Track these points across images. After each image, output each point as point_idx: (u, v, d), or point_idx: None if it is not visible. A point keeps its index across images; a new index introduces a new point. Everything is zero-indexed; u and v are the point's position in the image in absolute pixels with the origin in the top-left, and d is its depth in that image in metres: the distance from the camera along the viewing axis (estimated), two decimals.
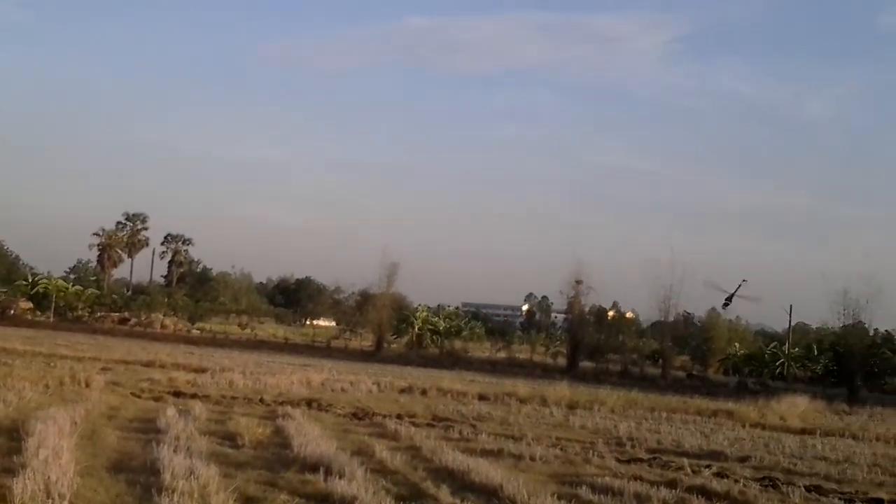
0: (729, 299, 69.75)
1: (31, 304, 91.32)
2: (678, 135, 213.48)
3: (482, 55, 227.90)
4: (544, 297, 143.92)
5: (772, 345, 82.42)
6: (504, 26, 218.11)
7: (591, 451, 20.11)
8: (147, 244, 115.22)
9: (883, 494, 16.42)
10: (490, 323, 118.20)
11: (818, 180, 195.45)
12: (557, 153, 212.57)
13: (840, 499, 15.53)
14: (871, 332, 69.10)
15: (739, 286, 68.51)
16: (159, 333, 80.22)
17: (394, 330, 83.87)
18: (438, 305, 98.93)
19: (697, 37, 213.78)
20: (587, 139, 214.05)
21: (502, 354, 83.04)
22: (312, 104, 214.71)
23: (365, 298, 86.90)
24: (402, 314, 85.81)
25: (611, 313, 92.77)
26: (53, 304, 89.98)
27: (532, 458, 18.42)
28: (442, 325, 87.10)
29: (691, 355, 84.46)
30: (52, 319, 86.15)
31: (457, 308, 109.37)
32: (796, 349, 78.20)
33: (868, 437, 28.70)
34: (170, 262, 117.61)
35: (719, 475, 17.52)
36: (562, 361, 75.39)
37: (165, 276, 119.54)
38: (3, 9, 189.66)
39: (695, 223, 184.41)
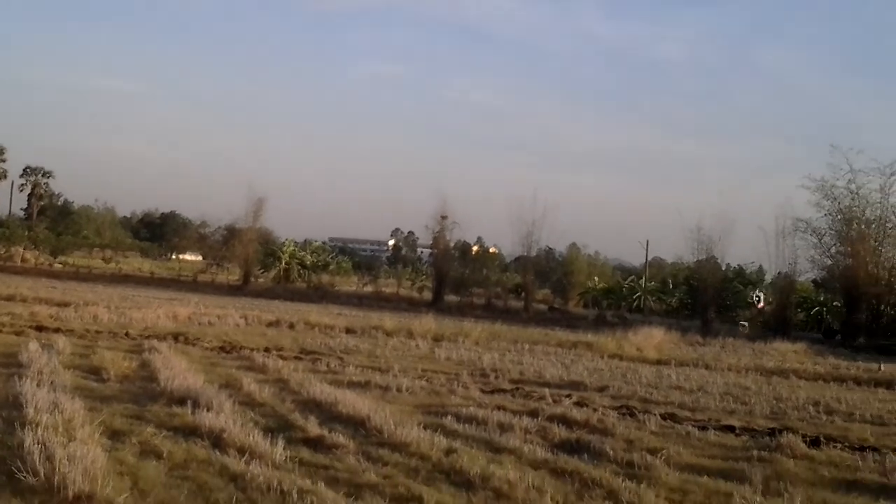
0: None
1: None
2: (537, 74, 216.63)
3: None
4: (410, 233, 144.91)
5: (629, 279, 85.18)
6: None
7: (455, 383, 20.47)
8: (5, 177, 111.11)
9: (734, 421, 17.20)
10: (357, 258, 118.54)
11: (673, 120, 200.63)
12: (417, 91, 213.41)
13: (694, 425, 16.16)
14: (724, 267, 71.74)
15: None
16: (19, 267, 77.99)
17: (261, 264, 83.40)
18: (305, 240, 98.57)
19: None
20: (446, 78, 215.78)
21: (369, 289, 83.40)
22: (173, 35, 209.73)
23: (231, 233, 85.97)
24: (269, 248, 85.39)
25: (475, 248, 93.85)
26: None
27: (398, 390, 18.72)
28: (309, 260, 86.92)
29: (553, 289, 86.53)
30: None
31: (324, 243, 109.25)
32: (653, 283, 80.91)
33: (720, 368, 29.85)
34: (29, 195, 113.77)
35: (579, 404, 18.07)
36: (427, 295, 76.10)
37: (25, 210, 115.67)
38: None
39: (554, 161, 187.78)
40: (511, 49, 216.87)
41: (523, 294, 75.52)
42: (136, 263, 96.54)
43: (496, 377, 22.65)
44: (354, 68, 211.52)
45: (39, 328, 26.80)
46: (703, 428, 16.13)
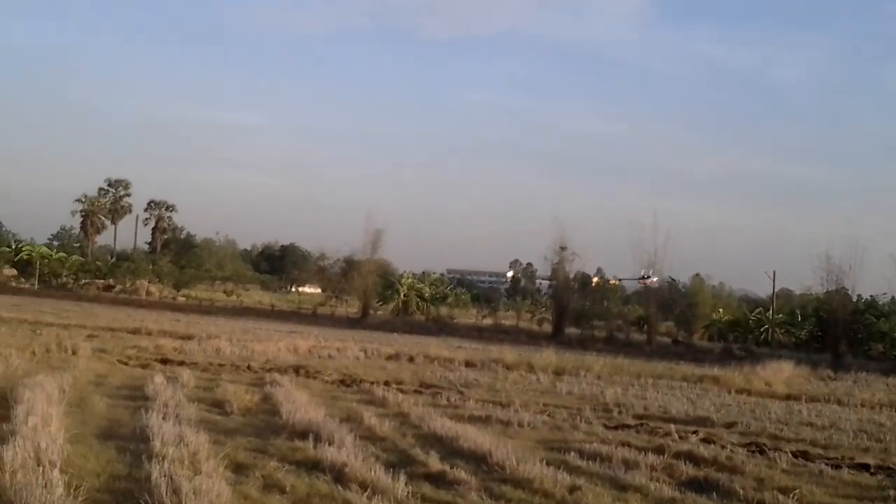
0: None
1: (15, 272, 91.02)
2: (653, 99, 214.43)
3: (455, 20, 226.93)
4: (529, 264, 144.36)
5: (756, 311, 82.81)
6: None
7: (578, 418, 20.11)
8: (130, 211, 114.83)
9: (869, 459, 16.48)
10: (475, 289, 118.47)
11: (798, 145, 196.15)
12: (534, 120, 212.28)
13: (826, 464, 15.56)
14: (855, 298, 69.24)
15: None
16: (144, 300, 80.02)
17: (379, 296, 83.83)
18: (423, 272, 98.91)
19: (668, 1, 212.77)
20: (563, 105, 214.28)
21: (488, 321, 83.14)
22: (291, 70, 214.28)
23: (350, 265, 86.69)
24: (387, 280, 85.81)
25: (595, 280, 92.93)
26: (38, 272, 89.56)
27: (520, 425, 18.46)
28: (427, 292, 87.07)
29: (676, 321, 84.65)
30: (36, 287, 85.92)
31: (442, 275, 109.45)
32: (780, 315, 78.52)
33: (853, 403, 28.73)
34: (153, 229, 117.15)
35: (706, 441, 17.56)
36: (547, 328, 75.47)
37: (149, 243, 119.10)
38: None
39: (676, 189, 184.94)
40: (627, 75, 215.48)
41: (646, 327, 74.28)
42: (256, 296, 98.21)
43: (619, 412, 22.14)
44: (469, 98, 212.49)
45: (164, 361, 27.27)
46: (837, 466, 15.49)
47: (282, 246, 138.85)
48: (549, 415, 20.51)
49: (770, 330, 75.16)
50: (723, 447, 16.76)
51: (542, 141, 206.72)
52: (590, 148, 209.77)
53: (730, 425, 20.69)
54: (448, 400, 22.40)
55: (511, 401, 22.54)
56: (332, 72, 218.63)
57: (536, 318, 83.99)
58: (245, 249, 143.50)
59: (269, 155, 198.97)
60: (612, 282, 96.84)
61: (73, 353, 26.65)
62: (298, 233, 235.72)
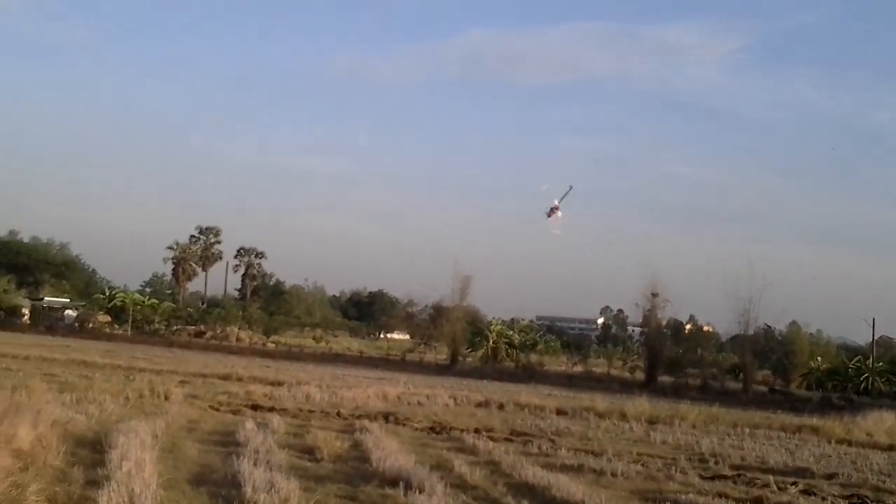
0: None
1: (108, 318, 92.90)
2: (747, 145, 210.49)
3: (545, 67, 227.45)
4: (620, 311, 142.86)
5: (855, 359, 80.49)
6: (567, 37, 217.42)
7: (673, 468, 19.75)
8: (220, 258, 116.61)
9: None
10: (565, 336, 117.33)
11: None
12: (625, 165, 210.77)
13: None
14: None
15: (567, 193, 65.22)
16: (234, 346, 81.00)
17: (468, 343, 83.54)
18: (512, 319, 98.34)
19: (761, 46, 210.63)
20: (655, 150, 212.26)
21: (578, 368, 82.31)
22: (379, 118, 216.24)
23: (438, 311, 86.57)
24: (476, 327, 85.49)
25: (688, 326, 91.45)
26: (131, 318, 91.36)
27: (613, 474, 18.12)
28: (517, 339, 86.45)
29: (773, 370, 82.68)
30: (129, 332, 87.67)
31: (531, 321, 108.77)
32: (881, 363, 76.26)
33: None
34: (243, 276, 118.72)
35: (806, 493, 17.07)
36: (640, 376, 74.44)
37: (239, 290, 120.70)
38: (72, 26, 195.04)
39: (771, 235, 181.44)
40: (720, 120, 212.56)
41: (741, 375, 72.68)
42: (345, 342, 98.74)
43: (716, 462, 21.59)
44: (558, 144, 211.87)
45: (255, 407, 27.41)
46: None
47: (370, 292, 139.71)
48: (643, 464, 20.14)
49: (870, 379, 72.95)
50: (823, 499, 16.33)
51: (634, 187, 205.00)
52: (683, 194, 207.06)
53: (830, 476, 20.05)
54: (539, 448, 22.10)
55: (604, 449, 22.20)
56: (421, 119, 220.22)
57: (628, 366, 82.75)
58: (334, 296, 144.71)
59: (357, 202, 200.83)
60: (705, 329, 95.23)
61: (166, 398, 26.95)
62: (387, 279, 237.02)
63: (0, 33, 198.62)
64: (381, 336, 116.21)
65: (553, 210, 63.12)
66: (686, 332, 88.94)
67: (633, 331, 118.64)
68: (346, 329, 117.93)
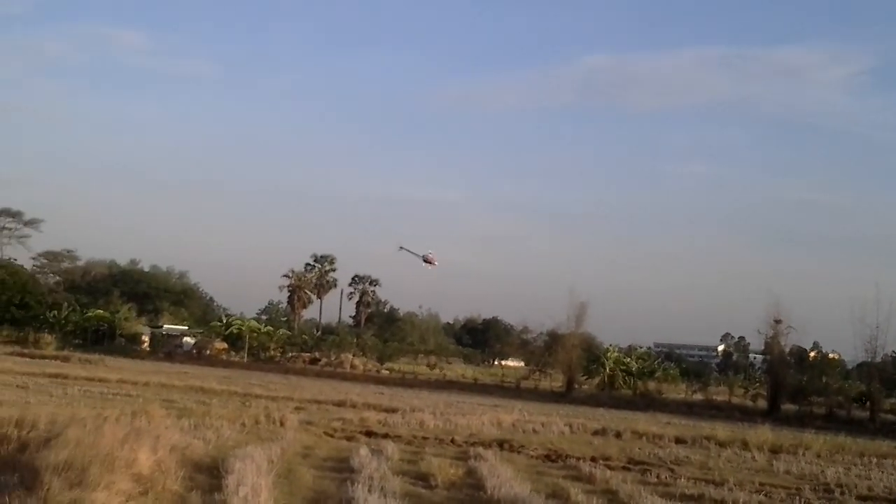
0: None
1: (225, 345, 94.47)
2: (873, 168, 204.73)
3: (661, 91, 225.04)
4: (741, 338, 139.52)
5: None
6: (684, 62, 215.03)
7: (797, 498, 19.21)
8: (335, 285, 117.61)
9: None
10: (684, 364, 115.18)
11: None
12: (746, 190, 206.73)
13: None
14: None
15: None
16: (349, 373, 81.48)
17: (584, 371, 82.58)
18: (630, 346, 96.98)
19: (886, 67, 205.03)
20: (775, 175, 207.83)
21: (698, 396, 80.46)
22: (491, 145, 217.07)
23: (554, 339, 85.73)
24: (592, 354, 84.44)
25: (812, 354, 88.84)
26: (247, 345, 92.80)
27: None
28: (634, 366, 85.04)
29: None
30: (245, 359, 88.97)
31: (649, 348, 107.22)
32: None
33: None
34: (358, 303, 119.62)
35: None
36: (762, 404, 72.50)
37: (353, 317, 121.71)
38: (196, 62, 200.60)
39: None
40: (846, 143, 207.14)
41: (868, 403, 70.22)
42: (459, 369, 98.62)
43: (841, 493, 20.89)
44: (675, 169, 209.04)
45: (369, 433, 27.39)
46: None
47: (484, 319, 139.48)
48: (765, 494, 19.61)
49: None
50: None
51: (755, 212, 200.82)
52: (807, 218, 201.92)
53: None
54: (658, 477, 21.56)
55: (725, 479, 21.57)
56: (533, 146, 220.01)
57: (750, 394, 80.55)
58: (448, 323, 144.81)
59: (470, 229, 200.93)
60: (831, 356, 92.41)
61: (281, 424, 27.13)
62: (501, 306, 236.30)
63: (123, 68, 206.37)
64: (496, 363, 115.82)
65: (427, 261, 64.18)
66: (810, 359, 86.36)
67: (754, 358, 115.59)
68: (460, 356, 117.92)
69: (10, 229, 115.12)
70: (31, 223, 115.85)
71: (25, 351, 73.78)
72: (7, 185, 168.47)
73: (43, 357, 67.17)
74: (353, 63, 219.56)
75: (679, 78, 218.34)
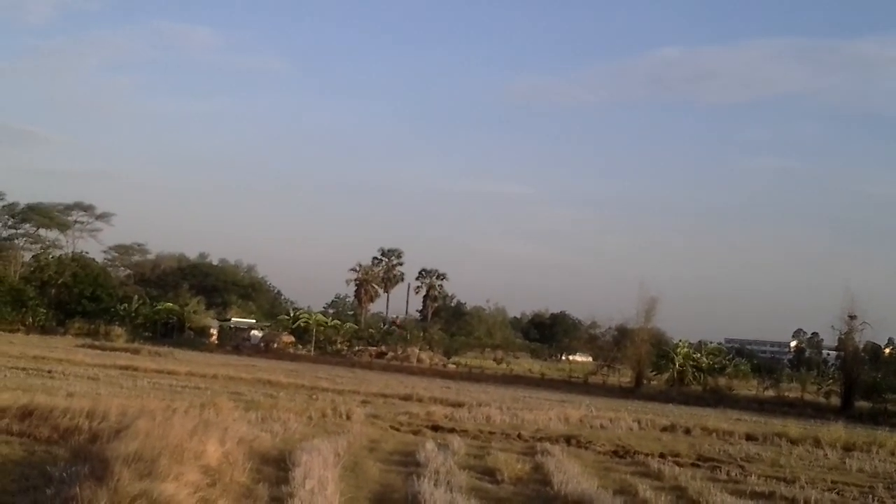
0: None
1: (292, 338, 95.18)
2: None
3: (736, 84, 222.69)
4: (814, 334, 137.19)
5: None
6: (757, 54, 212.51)
7: (870, 496, 18.90)
8: (402, 279, 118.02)
9: None
10: (755, 360, 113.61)
11: None
12: (821, 184, 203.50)
13: None
14: None
15: None
16: (415, 367, 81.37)
17: (653, 366, 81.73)
18: (700, 341, 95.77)
19: None
20: (852, 168, 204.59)
21: (770, 393, 79.23)
22: (560, 140, 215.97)
23: (622, 333, 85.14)
24: (661, 350, 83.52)
25: (887, 350, 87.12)
26: (314, 338, 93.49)
27: (806, 502, 17.36)
28: (704, 362, 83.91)
29: None
30: (312, 353, 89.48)
31: (719, 344, 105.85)
32: None
33: None
34: (424, 297, 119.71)
35: None
36: (835, 401, 71.19)
37: (420, 311, 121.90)
38: (266, 58, 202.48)
39: None
40: None
41: None
42: (526, 364, 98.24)
43: None
44: (751, 164, 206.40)
45: (435, 428, 27.37)
46: None
47: (552, 314, 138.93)
48: (838, 492, 19.28)
49: None
50: None
51: (830, 206, 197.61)
52: (882, 212, 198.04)
53: None
54: (728, 474, 21.28)
55: (796, 477, 21.22)
56: (603, 140, 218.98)
57: (823, 391, 79.12)
58: (515, 317, 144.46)
59: (539, 222, 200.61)
60: None
61: (348, 417, 27.23)
62: (569, 301, 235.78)
63: (194, 64, 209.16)
64: (563, 358, 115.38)
65: None
66: (885, 355, 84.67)
67: (828, 354, 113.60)
68: (527, 351, 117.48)
69: (83, 223, 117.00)
70: (103, 217, 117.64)
71: (97, 343, 74.86)
72: (80, 178, 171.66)
73: (114, 349, 68.17)
74: (422, 60, 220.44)
75: (753, 70, 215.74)
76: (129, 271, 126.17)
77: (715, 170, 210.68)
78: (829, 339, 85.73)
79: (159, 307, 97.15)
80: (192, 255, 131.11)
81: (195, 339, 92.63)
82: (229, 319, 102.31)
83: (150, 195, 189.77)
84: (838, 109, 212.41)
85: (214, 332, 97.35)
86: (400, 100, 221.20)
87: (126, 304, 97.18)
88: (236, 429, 18.86)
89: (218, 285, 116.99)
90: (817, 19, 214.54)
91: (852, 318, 71.08)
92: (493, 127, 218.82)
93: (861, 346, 74.19)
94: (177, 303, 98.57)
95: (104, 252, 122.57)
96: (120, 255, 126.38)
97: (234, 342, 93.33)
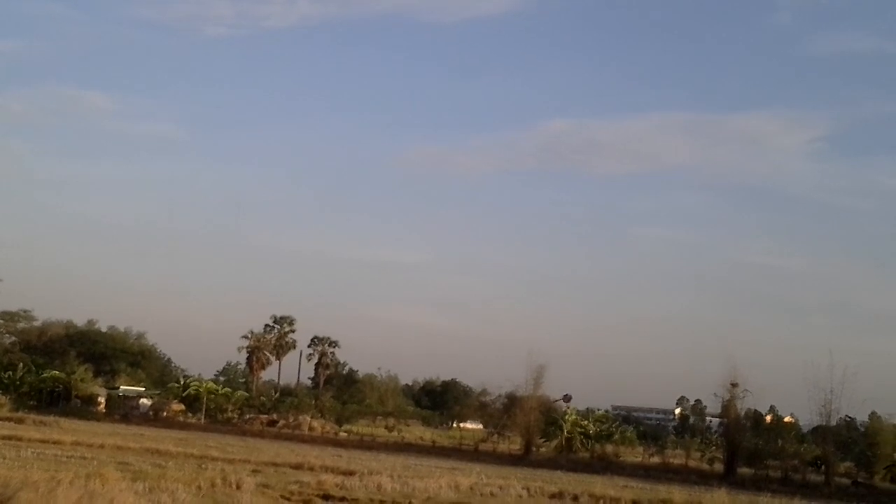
0: None
1: (182, 406, 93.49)
2: (829, 233, 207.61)
3: (623, 156, 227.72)
4: (697, 401, 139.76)
5: None
6: (645, 127, 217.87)
7: None
8: (294, 346, 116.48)
9: None
10: (642, 426, 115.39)
11: None
12: (705, 254, 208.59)
13: None
14: None
15: None
16: (307, 436, 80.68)
17: (542, 433, 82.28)
18: (587, 408, 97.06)
19: (843, 134, 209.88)
20: (735, 239, 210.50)
21: (655, 459, 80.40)
22: (453, 208, 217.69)
23: (512, 401, 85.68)
24: (550, 417, 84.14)
25: (768, 417, 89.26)
26: (204, 407, 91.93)
27: None
28: (592, 429, 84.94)
29: (855, 462, 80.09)
30: (202, 421, 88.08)
31: (606, 411, 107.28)
32: None
33: None
34: (317, 365, 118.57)
35: None
36: (718, 467, 72.61)
37: (312, 378, 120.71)
38: (159, 123, 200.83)
39: (853, 325, 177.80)
40: (802, 209, 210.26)
41: (823, 467, 70.62)
42: (417, 432, 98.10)
43: None
44: (637, 233, 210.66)
45: (326, 497, 27.28)
46: None
47: (443, 381, 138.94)
48: None
49: None
50: None
51: (712, 275, 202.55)
52: (764, 283, 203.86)
53: None
54: None
55: None
56: (495, 209, 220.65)
57: (707, 457, 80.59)
58: (407, 385, 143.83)
59: (431, 291, 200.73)
60: (786, 419, 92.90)
61: (238, 487, 26.89)
62: (460, 368, 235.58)
63: (85, 129, 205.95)
64: (454, 425, 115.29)
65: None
66: (766, 422, 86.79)
67: (711, 421, 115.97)
68: (418, 418, 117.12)
69: None
70: None
71: None
72: None
73: None
74: (316, 127, 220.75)
75: (641, 143, 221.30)
76: (14, 338, 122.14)
77: (604, 238, 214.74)
78: (713, 406, 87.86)
79: (45, 375, 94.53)
80: (80, 321, 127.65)
81: (82, 408, 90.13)
82: (118, 388, 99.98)
83: (38, 260, 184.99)
84: (722, 182, 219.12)
85: (102, 400, 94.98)
86: (295, 166, 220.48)
87: (10, 373, 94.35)
88: (122, 500, 18.56)
89: (107, 353, 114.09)
90: (701, 95, 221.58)
91: (734, 385, 72.92)
92: (387, 194, 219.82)
93: (743, 414, 76.02)
94: (63, 371, 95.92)
95: None
96: (5, 321, 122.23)
97: (122, 411, 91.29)
